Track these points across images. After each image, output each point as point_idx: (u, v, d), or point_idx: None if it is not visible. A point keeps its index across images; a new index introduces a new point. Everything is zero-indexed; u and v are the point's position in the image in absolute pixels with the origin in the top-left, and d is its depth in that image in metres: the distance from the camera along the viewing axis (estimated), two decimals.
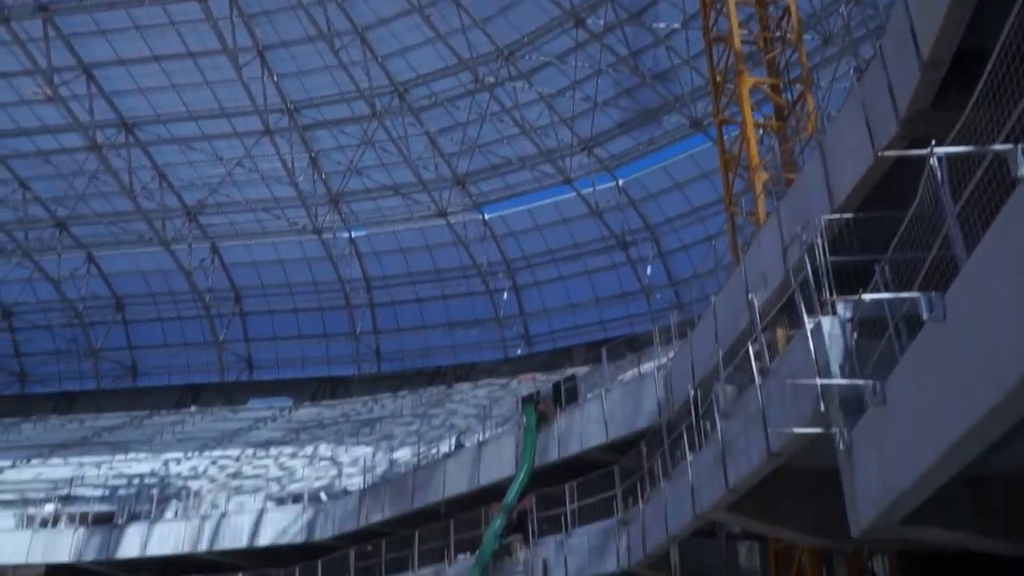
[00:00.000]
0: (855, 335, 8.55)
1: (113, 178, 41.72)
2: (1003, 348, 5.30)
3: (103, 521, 31.27)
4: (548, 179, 40.48)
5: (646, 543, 16.19)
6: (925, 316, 6.22)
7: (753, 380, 10.83)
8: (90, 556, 30.34)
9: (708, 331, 15.81)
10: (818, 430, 8.68)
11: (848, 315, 8.58)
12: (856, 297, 8.04)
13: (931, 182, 6.47)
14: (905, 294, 6.94)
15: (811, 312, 9.00)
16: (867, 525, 8.01)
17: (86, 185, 42.06)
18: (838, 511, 9.04)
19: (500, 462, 22.45)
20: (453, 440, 28.22)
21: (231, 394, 48.35)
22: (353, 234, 45.45)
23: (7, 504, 33.21)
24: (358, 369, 47.65)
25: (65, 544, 30.64)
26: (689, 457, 13.55)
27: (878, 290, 7.79)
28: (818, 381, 8.35)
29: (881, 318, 7.95)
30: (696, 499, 13.03)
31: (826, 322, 8.70)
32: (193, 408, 47.41)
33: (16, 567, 31.76)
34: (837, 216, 10.39)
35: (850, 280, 9.16)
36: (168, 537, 29.52)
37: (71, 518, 31.61)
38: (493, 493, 21.81)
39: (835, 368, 8.45)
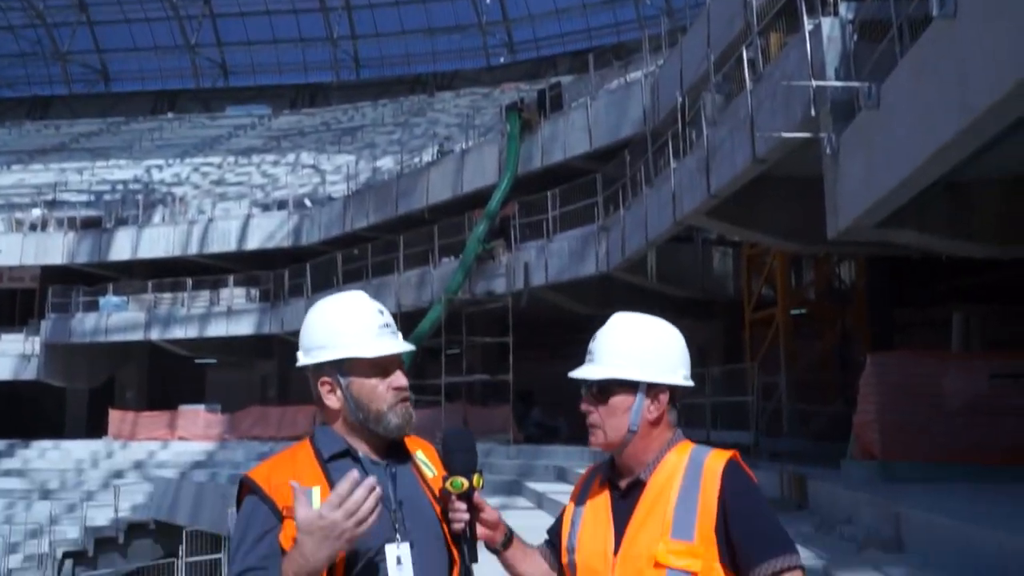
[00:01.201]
0: (855, 37, 8.28)
1: None
2: (1009, 48, 5.15)
3: (92, 226, 31.78)
4: None
5: (625, 248, 16.69)
6: (935, 12, 5.97)
7: (743, 88, 10.63)
8: (82, 258, 31.15)
9: (700, 36, 15.27)
10: (807, 135, 8.65)
11: (850, 16, 8.25)
12: None
13: None
14: None
15: (812, 12, 8.64)
16: (845, 227, 8.23)
17: None
18: (815, 218, 9.25)
19: (483, 170, 22.57)
20: (435, 149, 28.18)
21: (207, 101, 47.40)
22: None
23: None
24: (336, 76, 46.48)
25: (57, 247, 31.33)
26: (673, 164, 13.62)
27: None
28: (812, 83, 8.20)
29: (884, 20, 7.66)
30: (677, 205, 13.26)
31: (826, 23, 8.39)
32: (170, 115, 46.64)
33: (11, 269, 32.70)
34: None
35: None
36: (158, 241, 30.16)
37: (59, 222, 32.07)
38: (476, 200, 22.13)
39: (831, 71, 8.26)
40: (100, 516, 21.78)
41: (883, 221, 8.18)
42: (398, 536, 1.88)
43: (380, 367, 1.99)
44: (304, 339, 2.03)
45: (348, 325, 1.99)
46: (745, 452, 14.49)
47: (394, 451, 2.03)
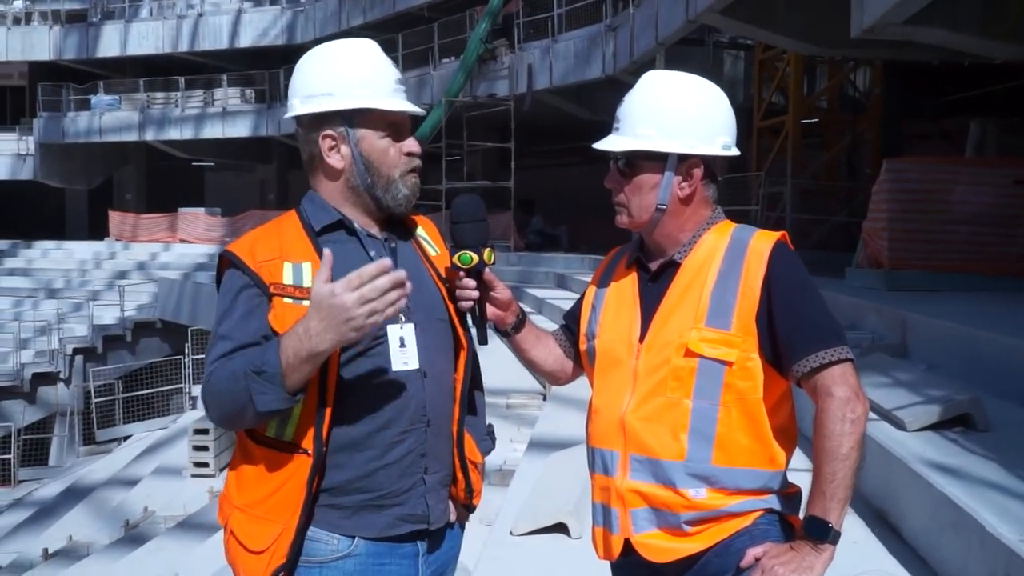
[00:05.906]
0: None
1: None
2: None
3: (77, 19, 30.53)
4: None
5: (633, 49, 15.99)
6: None
7: None
8: (70, 54, 30.16)
9: None
10: None
11: None
12: None
13: None
14: None
15: None
16: (871, 23, 7.71)
17: None
18: (835, 18, 8.75)
19: None
20: None
21: None
22: None
23: None
24: None
25: (43, 41, 30.26)
26: None
27: None
28: None
29: None
30: (690, 2, 12.54)
31: None
32: None
33: None
34: None
35: None
36: (147, 36, 29.07)
37: (43, 15, 30.79)
38: None
39: None
40: (107, 315, 22.14)
41: (912, 17, 7.69)
42: (401, 316, 1.68)
43: (394, 128, 1.74)
44: (301, 86, 1.73)
45: (362, 72, 1.70)
46: None
47: (393, 226, 1.81)
